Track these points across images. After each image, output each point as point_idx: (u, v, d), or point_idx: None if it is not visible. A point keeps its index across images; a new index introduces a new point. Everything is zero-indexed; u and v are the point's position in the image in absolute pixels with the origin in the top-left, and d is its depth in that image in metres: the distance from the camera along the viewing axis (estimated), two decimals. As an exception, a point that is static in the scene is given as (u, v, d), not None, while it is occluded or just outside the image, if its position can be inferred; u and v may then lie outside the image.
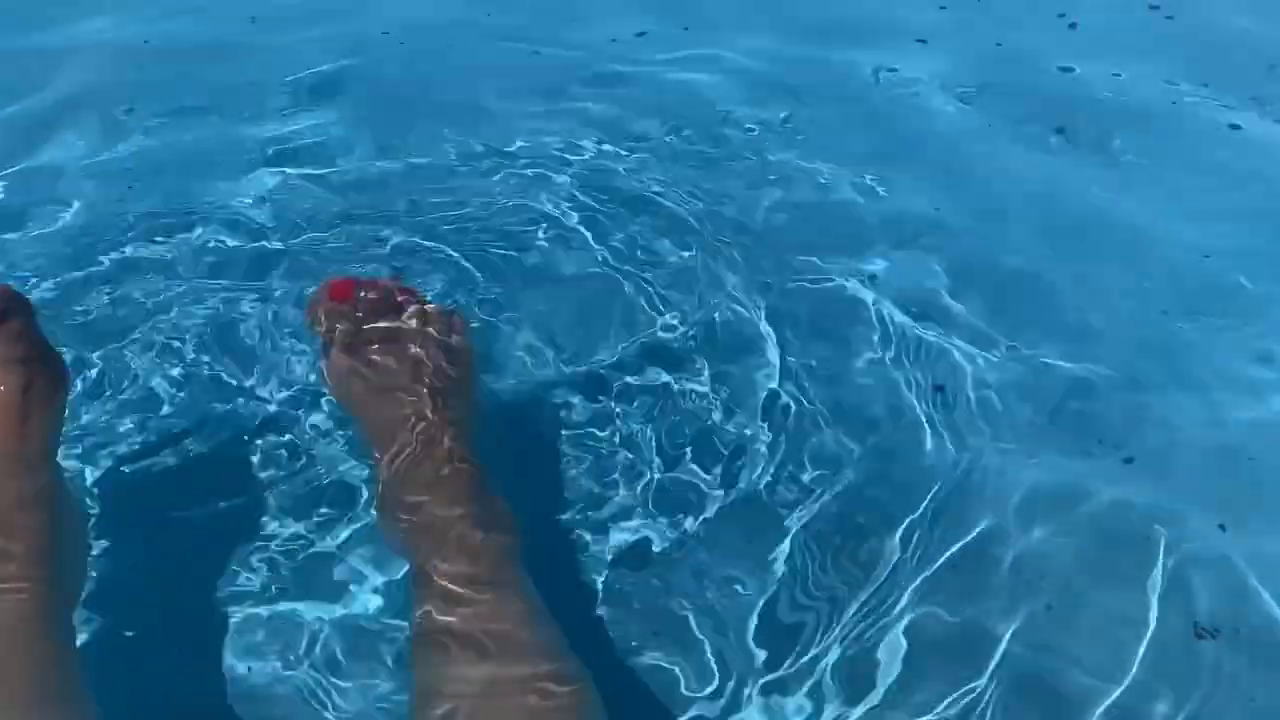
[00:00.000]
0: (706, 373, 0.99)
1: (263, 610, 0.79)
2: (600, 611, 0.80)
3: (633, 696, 0.74)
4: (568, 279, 1.10)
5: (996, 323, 1.06)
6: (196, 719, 0.73)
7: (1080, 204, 1.27)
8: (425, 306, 0.80)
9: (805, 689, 0.75)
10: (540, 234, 1.16)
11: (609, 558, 0.84)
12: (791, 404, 0.96)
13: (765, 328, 1.04)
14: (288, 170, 1.27)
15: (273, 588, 0.80)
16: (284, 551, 0.83)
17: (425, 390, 0.75)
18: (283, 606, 0.79)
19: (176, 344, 0.99)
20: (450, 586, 0.68)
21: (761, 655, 0.77)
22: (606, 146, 1.33)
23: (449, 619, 0.67)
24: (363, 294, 0.79)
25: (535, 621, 0.69)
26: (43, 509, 0.67)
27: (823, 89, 1.50)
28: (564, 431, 0.93)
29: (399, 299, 0.79)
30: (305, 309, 0.81)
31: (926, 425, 0.94)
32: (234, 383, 0.96)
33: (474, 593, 0.68)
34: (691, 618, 0.79)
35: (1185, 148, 1.40)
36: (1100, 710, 0.73)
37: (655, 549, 0.84)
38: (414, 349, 0.76)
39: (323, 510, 0.86)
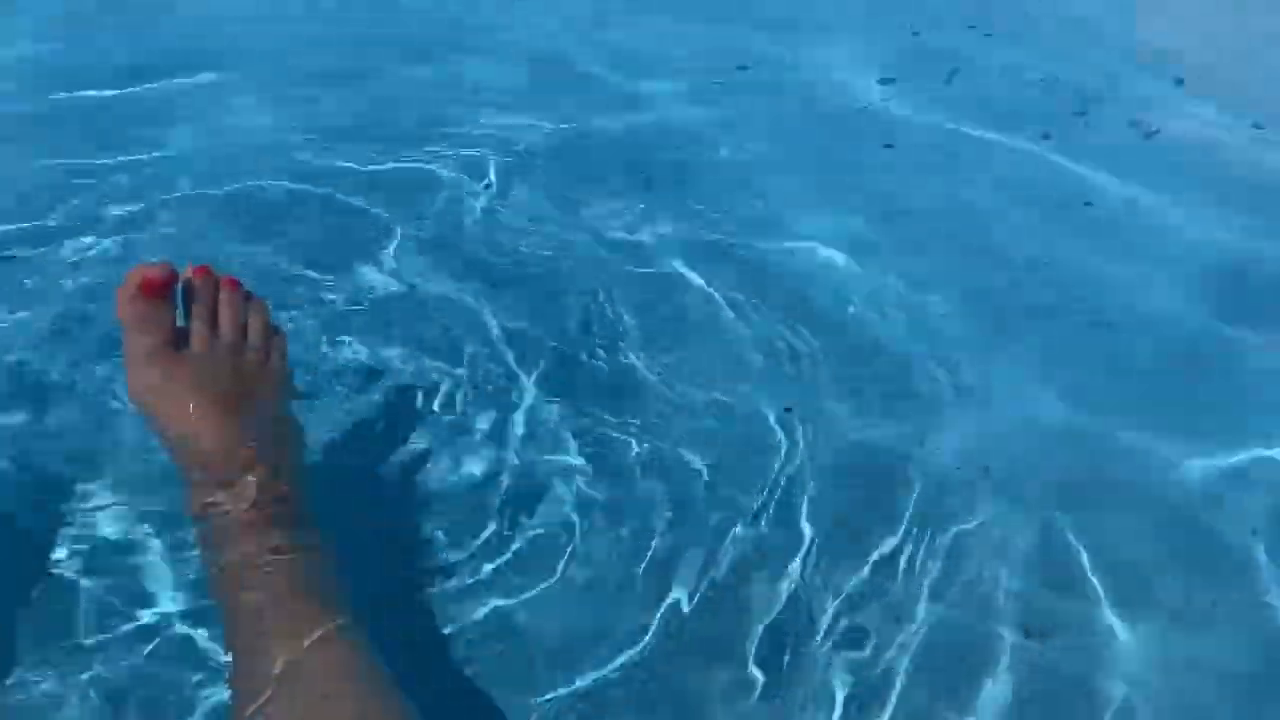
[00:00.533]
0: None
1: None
2: (446, 662, 0.74)
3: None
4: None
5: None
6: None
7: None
8: (245, 319, 0.73)
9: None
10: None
11: (457, 592, 0.79)
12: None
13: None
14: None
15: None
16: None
17: (235, 416, 0.67)
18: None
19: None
20: (266, 640, 0.62)
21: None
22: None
23: (264, 674, 0.60)
24: (179, 292, 0.70)
25: (365, 677, 0.62)
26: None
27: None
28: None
29: (219, 302, 0.72)
30: (116, 298, 0.68)
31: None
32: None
33: (294, 646, 0.61)
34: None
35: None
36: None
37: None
38: (227, 367, 0.69)
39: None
